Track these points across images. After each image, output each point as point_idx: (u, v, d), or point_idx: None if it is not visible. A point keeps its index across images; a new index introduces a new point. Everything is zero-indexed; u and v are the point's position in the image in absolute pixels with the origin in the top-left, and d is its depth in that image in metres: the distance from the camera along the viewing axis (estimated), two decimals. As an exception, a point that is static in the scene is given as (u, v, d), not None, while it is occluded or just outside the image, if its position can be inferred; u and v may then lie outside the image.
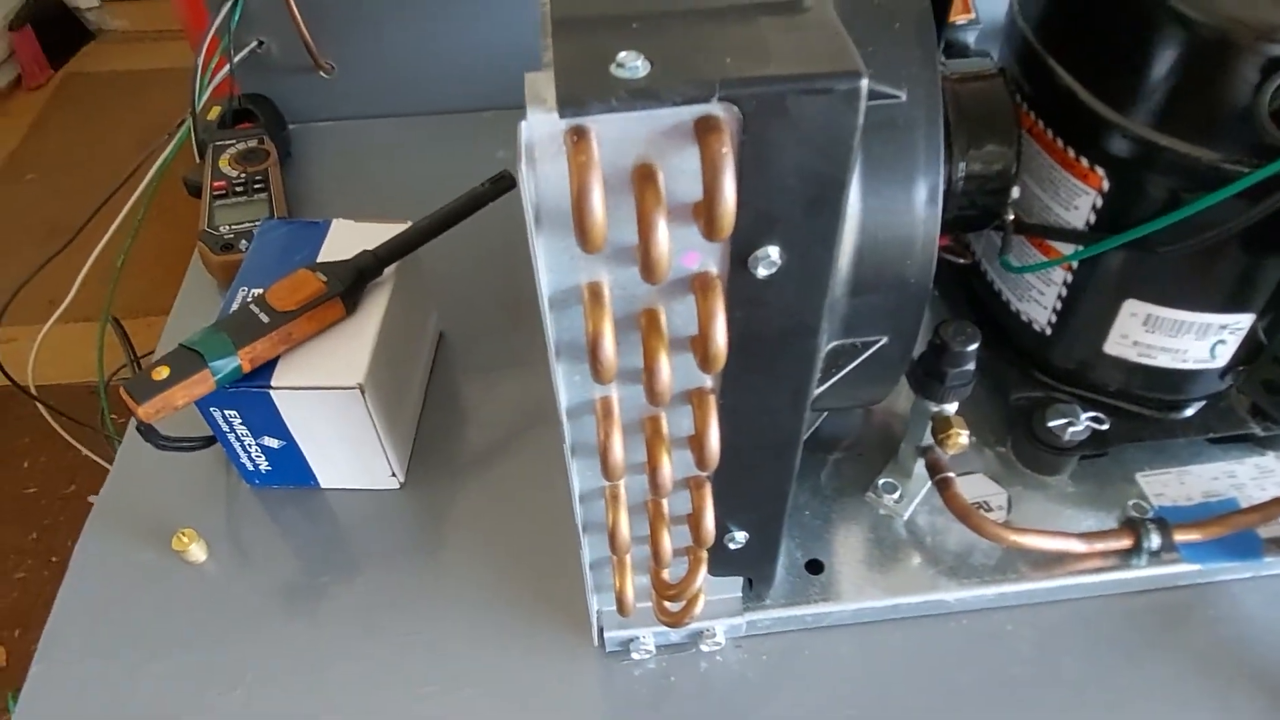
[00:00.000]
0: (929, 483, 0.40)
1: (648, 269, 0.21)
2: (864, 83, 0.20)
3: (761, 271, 0.23)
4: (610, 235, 0.21)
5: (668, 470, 0.27)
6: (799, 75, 0.20)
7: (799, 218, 0.22)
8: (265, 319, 0.38)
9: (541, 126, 0.20)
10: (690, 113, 0.20)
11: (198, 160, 0.59)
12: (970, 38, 0.57)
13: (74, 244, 0.65)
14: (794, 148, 0.21)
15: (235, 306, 0.41)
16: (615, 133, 0.20)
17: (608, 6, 0.22)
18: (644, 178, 0.21)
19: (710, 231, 0.21)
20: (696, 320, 0.23)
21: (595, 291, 0.23)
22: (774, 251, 0.23)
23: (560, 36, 0.21)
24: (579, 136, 0.20)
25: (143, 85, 2.12)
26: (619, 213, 0.21)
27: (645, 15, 0.21)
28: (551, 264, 0.23)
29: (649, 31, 0.21)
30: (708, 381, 0.27)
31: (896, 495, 0.42)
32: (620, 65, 0.20)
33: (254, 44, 0.62)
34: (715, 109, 0.20)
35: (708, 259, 0.23)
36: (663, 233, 0.21)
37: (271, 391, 0.39)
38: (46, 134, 2.03)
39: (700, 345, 0.23)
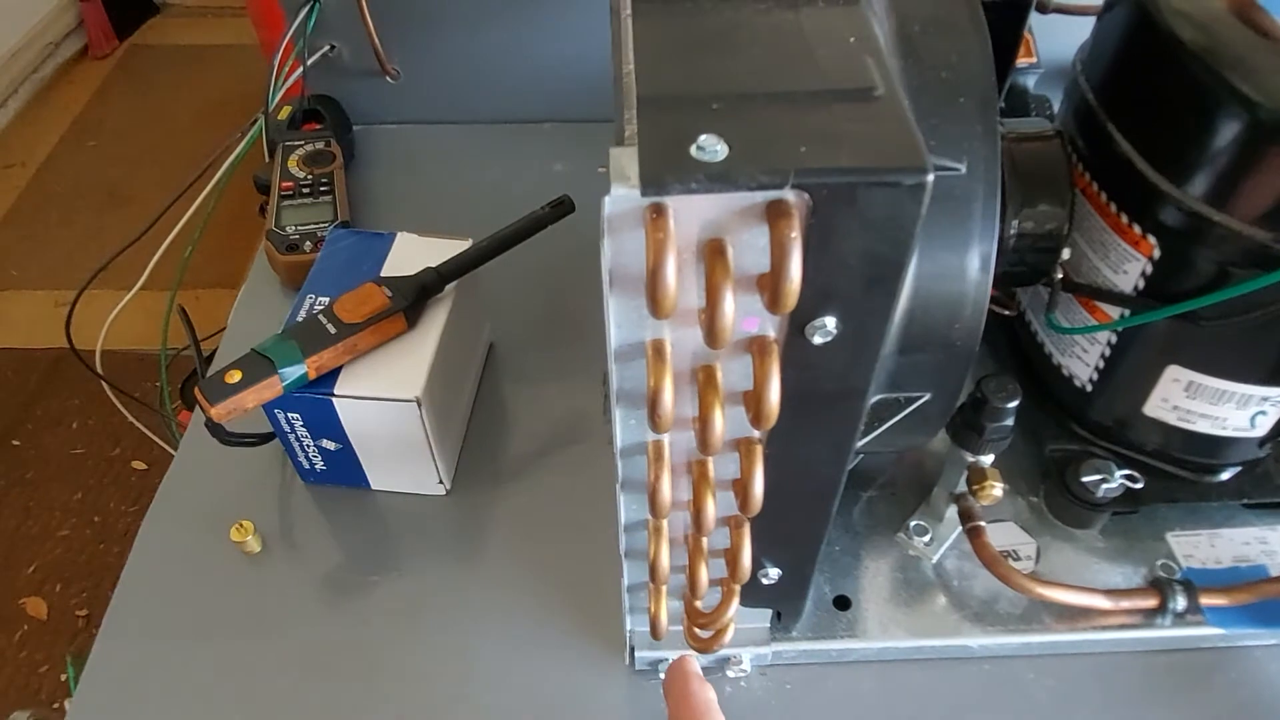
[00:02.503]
0: (960, 528, 0.41)
1: (712, 336, 0.22)
2: (930, 178, 0.21)
3: (817, 339, 0.25)
4: (678, 301, 0.22)
5: (711, 511, 0.29)
6: (868, 168, 0.21)
7: (857, 294, 0.24)
8: (332, 330, 0.40)
9: (623, 201, 0.21)
10: (763, 196, 0.21)
11: (267, 159, 0.61)
12: (1030, 81, 0.58)
13: (134, 214, 0.68)
14: (858, 233, 0.22)
15: (303, 313, 0.43)
16: (691, 210, 0.22)
17: (691, 85, 0.23)
18: (715, 252, 0.22)
19: (774, 307, 0.22)
20: (751, 378, 0.25)
21: (658, 349, 0.25)
22: (830, 322, 0.24)
23: (645, 114, 0.22)
24: (657, 214, 0.21)
25: (203, 59, 2.18)
26: (687, 280, 0.23)
27: (726, 96, 0.23)
28: (621, 321, 0.24)
29: (729, 114, 0.22)
30: (756, 432, 0.28)
31: (927, 538, 0.42)
32: (700, 148, 0.21)
33: (326, 48, 0.64)
34: (787, 194, 0.21)
35: (767, 324, 0.25)
36: (729, 305, 0.22)
37: (334, 399, 0.41)
38: (109, 102, 2.09)
39: (753, 403, 0.25)
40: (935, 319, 0.30)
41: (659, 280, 0.21)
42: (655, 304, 0.22)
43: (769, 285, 0.22)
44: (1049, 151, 0.37)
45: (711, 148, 0.21)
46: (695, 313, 0.24)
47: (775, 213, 0.21)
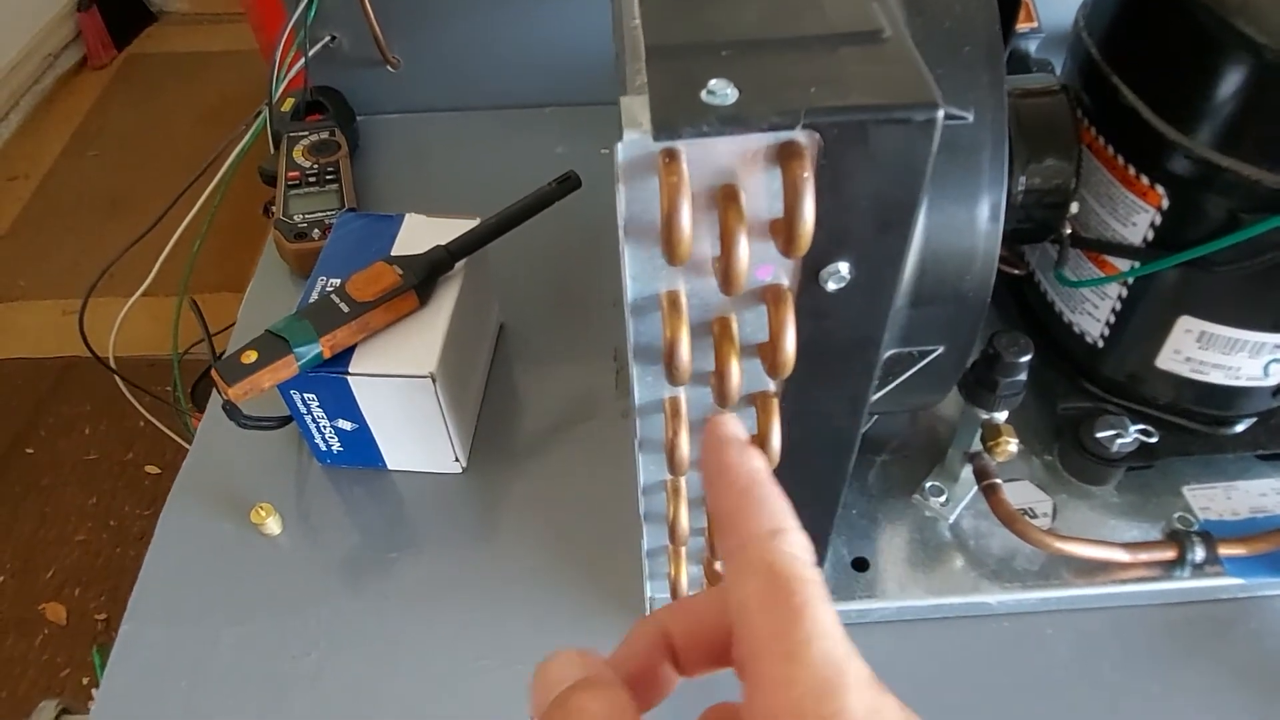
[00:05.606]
0: (975, 487, 0.42)
1: (727, 282, 0.23)
2: (940, 114, 0.21)
3: (831, 286, 0.25)
4: (692, 248, 0.22)
5: (730, 468, 0.29)
6: (879, 105, 0.21)
7: (870, 237, 0.24)
8: (345, 308, 0.41)
9: (636, 148, 0.22)
10: (775, 138, 0.21)
11: (272, 151, 0.61)
12: (1032, 46, 0.58)
13: (137, 221, 0.68)
14: (870, 173, 0.22)
15: (315, 295, 0.43)
16: (704, 155, 0.22)
17: (698, 34, 0.23)
18: (728, 197, 0.22)
19: (788, 250, 0.22)
20: (767, 328, 0.25)
21: (674, 300, 0.25)
22: (844, 268, 0.24)
23: (654, 62, 0.22)
24: (670, 158, 0.21)
25: (202, 66, 2.18)
26: (701, 228, 0.23)
27: (734, 43, 0.23)
28: (636, 273, 0.25)
29: (738, 59, 0.22)
30: (772, 386, 0.28)
31: (943, 498, 0.43)
32: (711, 92, 0.21)
33: (327, 38, 0.64)
34: (798, 135, 0.21)
35: (781, 272, 0.25)
36: (743, 249, 0.22)
37: (349, 377, 0.41)
38: (109, 112, 2.10)
39: (769, 353, 0.25)
40: (947, 270, 0.31)
41: (674, 225, 0.21)
42: (670, 250, 0.22)
43: (783, 229, 0.22)
44: (1054, 106, 0.37)
45: (722, 91, 0.21)
46: (709, 263, 0.24)
47: (787, 153, 0.21)
